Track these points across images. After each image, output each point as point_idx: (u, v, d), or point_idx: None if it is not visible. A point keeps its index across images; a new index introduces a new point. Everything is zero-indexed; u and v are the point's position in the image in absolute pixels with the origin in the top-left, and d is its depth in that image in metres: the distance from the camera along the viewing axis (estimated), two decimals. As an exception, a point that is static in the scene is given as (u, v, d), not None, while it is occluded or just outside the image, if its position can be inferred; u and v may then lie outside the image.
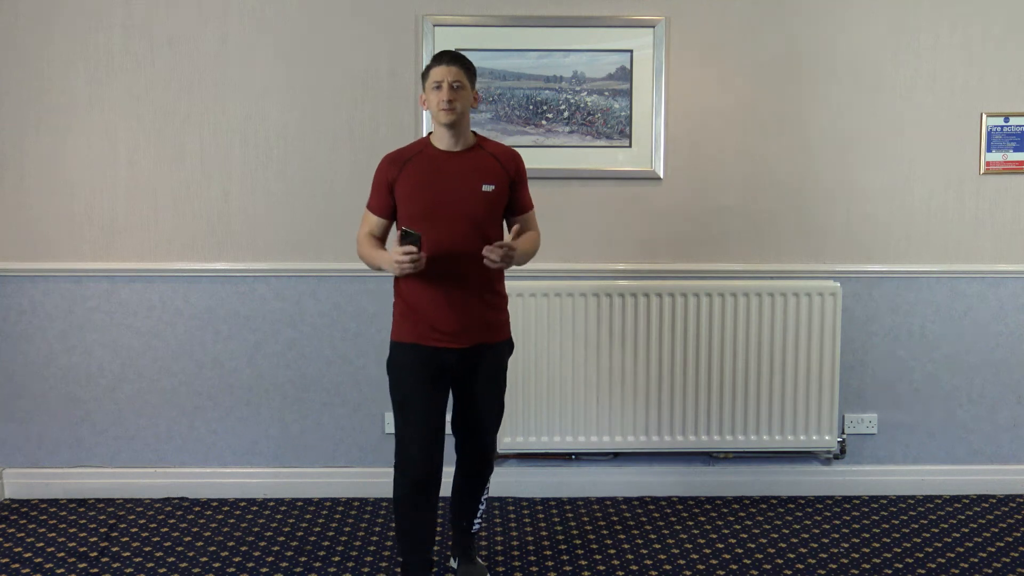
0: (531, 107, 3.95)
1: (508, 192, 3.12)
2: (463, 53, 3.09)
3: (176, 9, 3.89)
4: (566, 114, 3.96)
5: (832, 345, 3.98)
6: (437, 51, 3.20)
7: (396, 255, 2.91)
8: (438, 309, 3.04)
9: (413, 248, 2.90)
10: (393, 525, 3.77)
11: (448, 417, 3.18)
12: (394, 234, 3.13)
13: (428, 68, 3.05)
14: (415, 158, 3.07)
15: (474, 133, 3.14)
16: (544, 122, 3.97)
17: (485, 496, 3.34)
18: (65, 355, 4.00)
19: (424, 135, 3.17)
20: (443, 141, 3.07)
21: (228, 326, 4.01)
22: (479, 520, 3.36)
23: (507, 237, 3.03)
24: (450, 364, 3.09)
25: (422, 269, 2.93)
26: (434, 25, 3.89)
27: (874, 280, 4.05)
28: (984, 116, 3.99)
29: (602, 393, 3.98)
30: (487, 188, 3.04)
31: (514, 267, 3.20)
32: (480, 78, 3.91)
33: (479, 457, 3.26)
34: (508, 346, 3.23)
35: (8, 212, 3.95)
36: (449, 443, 3.22)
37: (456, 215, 3.01)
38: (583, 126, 3.97)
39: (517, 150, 3.21)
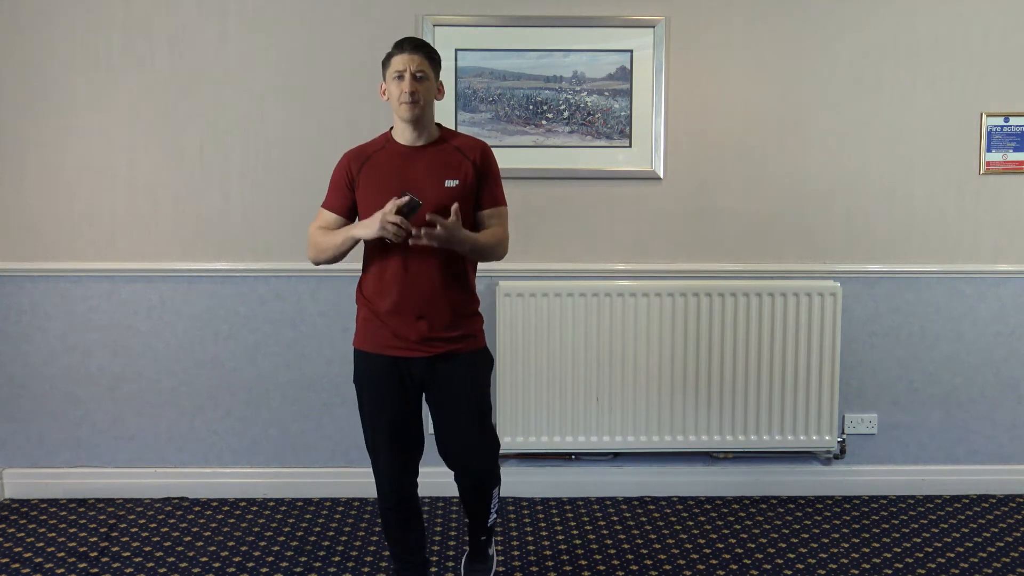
0: (531, 107, 3.95)
1: (475, 186, 2.91)
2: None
3: (176, 9, 3.89)
4: (566, 114, 3.96)
5: (832, 345, 3.98)
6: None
7: (389, 215, 2.71)
8: (401, 314, 2.85)
9: (401, 221, 2.71)
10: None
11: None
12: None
13: (389, 56, 2.86)
14: (376, 155, 2.91)
15: (439, 125, 2.96)
16: (544, 122, 3.97)
17: (495, 504, 3.13)
18: (65, 355, 4.00)
19: (386, 130, 3.00)
20: (405, 136, 2.90)
21: (228, 326, 4.01)
22: (493, 515, 3.15)
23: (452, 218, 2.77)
24: (416, 376, 2.90)
25: (398, 240, 2.74)
26: (434, 25, 3.89)
27: (874, 280, 4.05)
28: (984, 116, 3.99)
29: (602, 393, 3.98)
30: (451, 183, 2.84)
31: (509, 266, 3.17)
32: (480, 78, 3.92)
33: (473, 490, 3.04)
34: (484, 358, 2.99)
35: (8, 212, 3.95)
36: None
37: (420, 215, 2.79)
38: (583, 126, 3.97)
39: (488, 142, 3.06)
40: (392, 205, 2.73)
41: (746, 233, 4.02)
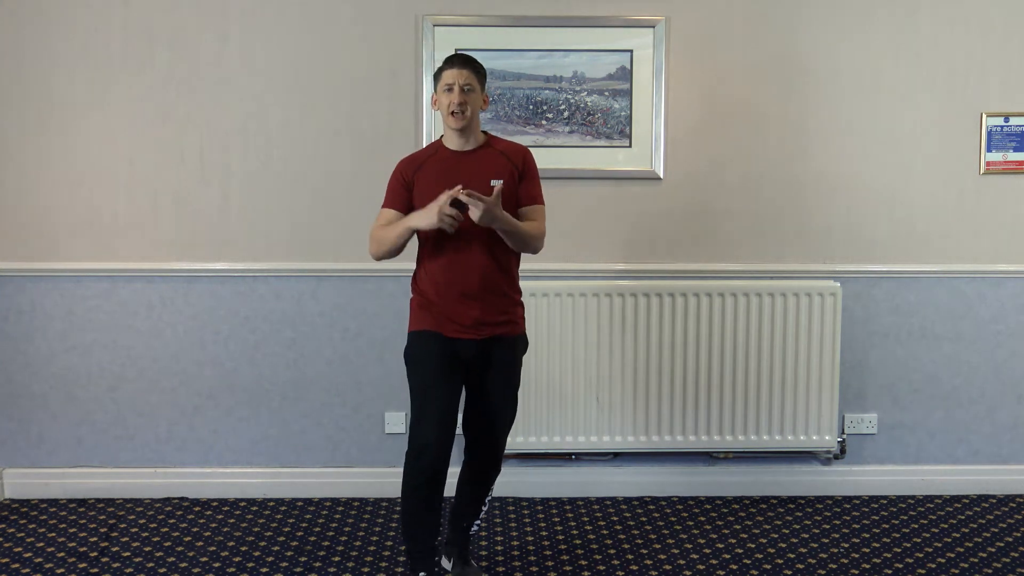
0: (531, 107, 3.95)
1: (516, 186, 3.15)
2: (473, 56, 3.14)
3: (176, 9, 3.89)
4: (566, 114, 3.96)
5: (832, 345, 3.98)
6: (448, 54, 3.23)
7: (445, 207, 2.95)
8: (456, 303, 3.09)
9: (458, 213, 2.97)
10: (393, 524, 3.78)
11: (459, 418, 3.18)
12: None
13: (440, 70, 3.12)
14: (428, 161, 3.14)
15: (484, 133, 3.20)
16: (544, 122, 3.97)
17: (488, 498, 3.33)
18: (65, 355, 4.00)
19: (436, 138, 3.23)
20: (454, 142, 3.14)
21: (228, 326, 4.01)
22: (479, 522, 3.35)
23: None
24: (467, 356, 3.11)
25: (451, 230, 3.00)
26: (434, 25, 3.89)
27: (874, 280, 4.05)
28: (984, 116, 3.99)
29: (602, 393, 3.98)
30: (496, 183, 3.06)
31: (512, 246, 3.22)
32: (480, 78, 3.92)
33: (490, 458, 3.25)
34: (523, 341, 3.25)
35: (8, 212, 3.95)
36: (457, 444, 3.20)
37: (470, 211, 3.02)
38: (583, 126, 3.97)
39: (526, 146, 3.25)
40: (446, 196, 2.95)
41: (746, 233, 4.02)
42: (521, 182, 3.17)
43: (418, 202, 3.11)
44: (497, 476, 3.31)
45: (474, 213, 2.96)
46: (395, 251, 3.12)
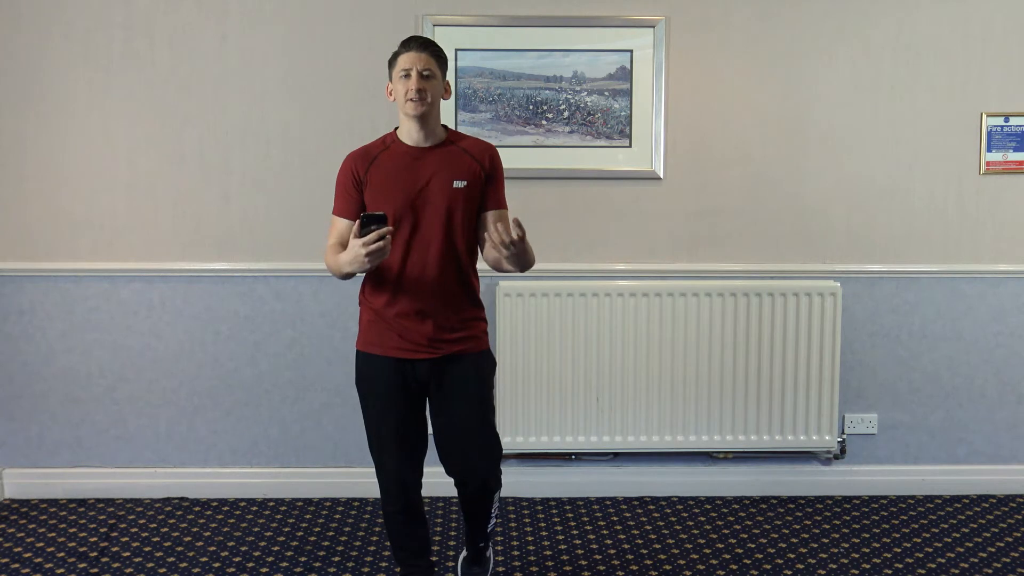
0: (531, 107, 3.95)
1: (482, 189, 2.90)
2: (434, 40, 2.89)
3: (176, 9, 3.89)
4: (566, 114, 3.96)
5: (832, 345, 3.98)
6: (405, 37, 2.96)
7: (359, 247, 2.65)
8: (407, 317, 2.85)
9: (376, 239, 2.64)
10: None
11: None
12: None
13: (395, 55, 2.84)
14: (382, 155, 2.88)
15: (445, 127, 2.95)
16: (544, 122, 3.97)
17: (496, 508, 3.08)
18: (65, 355, 4.00)
19: (389, 131, 2.98)
20: (411, 136, 2.87)
21: (228, 326, 4.01)
22: (494, 519, 3.13)
23: (511, 231, 2.70)
24: (421, 377, 2.88)
25: (387, 256, 2.71)
26: (434, 25, 3.89)
27: (874, 280, 4.05)
28: (984, 116, 3.99)
29: (602, 393, 3.98)
30: (459, 184, 2.83)
31: (508, 269, 3.14)
32: (480, 78, 3.92)
33: (474, 497, 3.00)
34: (488, 360, 2.98)
35: (8, 212, 3.95)
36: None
37: (428, 215, 2.83)
38: (583, 126, 3.97)
39: (492, 143, 3.03)
40: (362, 237, 2.66)
41: (746, 233, 4.02)
42: (487, 184, 2.90)
43: (372, 205, 2.85)
44: (499, 491, 3.05)
45: (507, 257, 2.71)
46: (349, 278, 2.87)
